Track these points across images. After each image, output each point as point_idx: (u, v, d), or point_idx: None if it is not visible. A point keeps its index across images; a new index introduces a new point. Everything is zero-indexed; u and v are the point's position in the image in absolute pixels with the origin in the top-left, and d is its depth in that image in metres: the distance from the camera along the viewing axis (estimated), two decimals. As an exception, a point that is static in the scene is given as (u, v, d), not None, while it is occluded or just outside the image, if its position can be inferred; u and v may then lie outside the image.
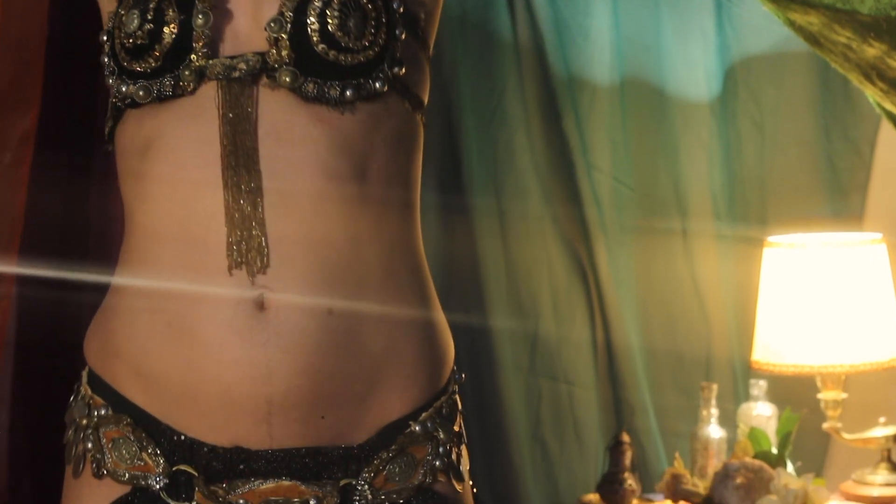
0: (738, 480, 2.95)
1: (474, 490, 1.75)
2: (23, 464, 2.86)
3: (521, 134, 3.83)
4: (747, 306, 3.52)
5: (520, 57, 3.82)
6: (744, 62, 3.78)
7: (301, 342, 1.53)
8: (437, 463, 1.62)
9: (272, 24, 1.53)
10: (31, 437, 2.87)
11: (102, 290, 2.83)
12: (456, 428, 1.66)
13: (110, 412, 1.61)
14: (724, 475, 2.97)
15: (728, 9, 3.77)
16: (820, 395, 3.30)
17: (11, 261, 2.58)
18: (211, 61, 1.54)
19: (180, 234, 1.56)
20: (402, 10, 1.61)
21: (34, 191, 2.63)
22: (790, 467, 3.11)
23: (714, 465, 3.26)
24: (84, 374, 1.66)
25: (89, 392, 1.63)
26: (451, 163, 3.83)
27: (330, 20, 1.53)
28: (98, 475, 1.61)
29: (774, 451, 3.12)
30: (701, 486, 3.02)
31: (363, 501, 1.58)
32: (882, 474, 3.31)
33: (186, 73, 1.54)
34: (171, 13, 1.55)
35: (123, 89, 1.58)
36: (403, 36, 1.60)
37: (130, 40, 1.56)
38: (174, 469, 1.57)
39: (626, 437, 3.35)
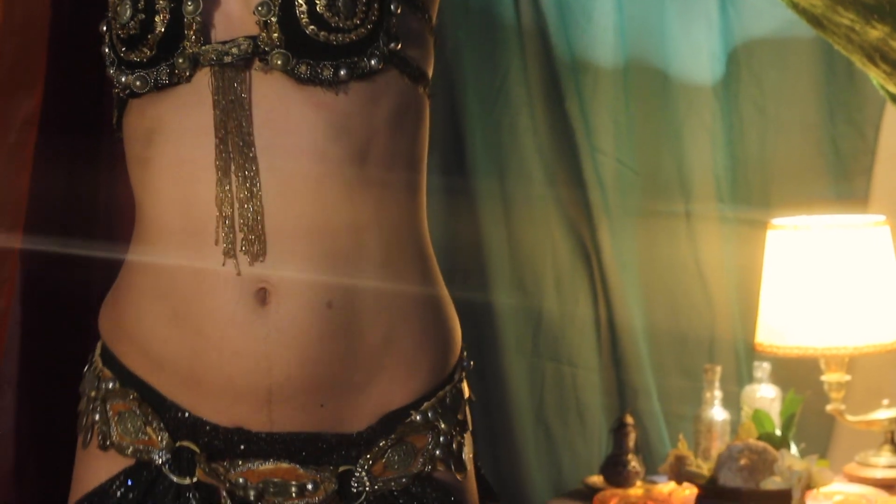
0: (742, 462, 2.95)
1: (481, 471, 1.75)
2: (28, 445, 2.86)
3: (524, 116, 3.83)
4: (750, 289, 3.52)
5: (523, 39, 3.82)
6: (747, 45, 3.78)
7: (300, 336, 1.54)
8: (438, 452, 1.62)
9: (260, 8, 1.52)
10: (37, 419, 2.88)
11: (108, 272, 2.83)
12: (460, 417, 1.66)
13: (117, 386, 1.62)
14: (728, 456, 2.97)
15: (731, -9, 3.78)
16: (823, 378, 3.31)
17: (15, 243, 2.58)
18: (204, 47, 1.54)
19: (183, 225, 1.56)
20: None
21: (38, 173, 2.62)
22: (794, 449, 3.12)
23: (717, 447, 3.27)
24: (98, 345, 1.68)
25: (100, 365, 1.66)
26: (455, 146, 3.83)
27: (318, 0, 1.52)
28: (104, 447, 1.63)
29: (778, 432, 3.12)
30: (705, 468, 3.03)
31: (361, 488, 1.59)
32: (885, 456, 3.31)
33: (180, 60, 1.54)
34: (161, 2, 1.54)
35: (123, 79, 1.58)
36: (399, 10, 1.58)
37: (124, 31, 1.57)
38: (177, 445, 1.59)
39: (629, 419, 3.35)
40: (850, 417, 3.34)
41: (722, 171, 3.80)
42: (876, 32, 2.45)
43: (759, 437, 3.06)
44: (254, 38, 1.53)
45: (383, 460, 1.60)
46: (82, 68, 2.84)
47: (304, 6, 1.52)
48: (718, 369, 3.40)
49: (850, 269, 3.22)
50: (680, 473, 3.05)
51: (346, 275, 1.56)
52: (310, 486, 1.57)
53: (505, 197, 3.85)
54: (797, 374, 3.46)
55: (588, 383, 3.85)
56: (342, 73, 1.54)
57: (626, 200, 3.82)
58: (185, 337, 1.56)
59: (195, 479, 1.59)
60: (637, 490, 3.26)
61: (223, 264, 1.53)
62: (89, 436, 1.64)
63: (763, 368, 3.41)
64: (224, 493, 1.59)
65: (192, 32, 1.54)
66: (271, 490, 1.57)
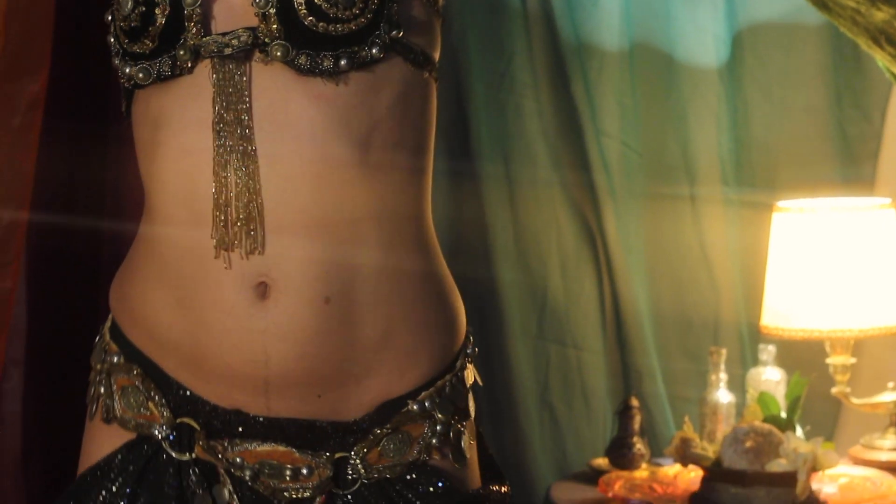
0: (748, 444, 2.95)
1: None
2: (35, 426, 2.87)
3: (529, 100, 3.83)
4: (755, 271, 3.52)
5: (528, 22, 3.82)
6: (752, 28, 3.77)
7: (298, 331, 1.55)
8: (434, 441, 1.62)
9: (258, 1, 1.52)
10: (44, 401, 2.88)
11: (113, 253, 2.84)
12: (461, 405, 1.65)
13: (122, 360, 1.64)
14: (734, 439, 2.97)
15: (737, -26, 3.77)
16: (829, 360, 3.31)
17: (21, 225, 2.58)
18: (205, 39, 1.53)
19: (186, 216, 1.57)
20: None
21: (43, 156, 2.63)
22: (799, 431, 3.12)
23: (723, 429, 3.27)
24: (109, 318, 1.69)
25: (107, 338, 1.67)
26: (460, 129, 3.83)
27: None
28: (107, 420, 1.65)
29: (783, 415, 3.12)
30: (710, 450, 3.03)
31: (356, 475, 1.60)
32: (890, 439, 3.31)
33: (182, 52, 1.54)
34: None
35: (127, 70, 1.58)
36: None
37: (126, 23, 1.56)
38: (178, 421, 1.61)
39: (634, 402, 3.35)
40: (854, 400, 3.34)
41: (727, 154, 3.79)
42: (881, 14, 2.45)
43: (765, 420, 3.06)
44: (253, 30, 1.53)
45: (378, 448, 1.60)
46: (87, 51, 2.84)
47: None
48: (724, 352, 3.40)
49: (856, 251, 3.22)
50: (685, 456, 3.05)
51: (346, 270, 1.56)
52: (304, 471, 1.58)
53: (510, 180, 3.85)
54: (802, 356, 3.46)
55: (593, 366, 3.85)
56: (342, 62, 1.53)
57: (631, 183, 3.81)
58: (187, 324, 1.58)
59: (194, 456, 1.60)
60: (642, 472, 3.26)
61: (215, 257, 1.54)
62: (94, 407, 1.66)
63: (768, 351, 3.41)
64: (222, 471, 1.60)
65: (192, 24, 1.53)
66: (266, 472, 1.59)
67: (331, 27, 1.52)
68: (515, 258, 3.85)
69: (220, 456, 1.59)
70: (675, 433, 3.19)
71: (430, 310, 1.64)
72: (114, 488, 1.61)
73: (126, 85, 1.61)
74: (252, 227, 1.52)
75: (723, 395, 3.37)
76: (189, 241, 1.56)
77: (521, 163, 3.83)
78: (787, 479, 2.92)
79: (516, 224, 3.85)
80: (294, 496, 1.59)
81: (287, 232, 1.53)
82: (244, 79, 1.53)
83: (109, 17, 1.61)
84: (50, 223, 2.84)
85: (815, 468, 2.94)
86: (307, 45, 1.52)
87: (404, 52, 1.58)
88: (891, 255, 3.23)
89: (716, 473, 2.99)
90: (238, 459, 1.59)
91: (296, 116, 1.53)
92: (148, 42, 1.55)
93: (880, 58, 2.68)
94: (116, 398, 1.64)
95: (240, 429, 1.59)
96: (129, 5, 1.55)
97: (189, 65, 1.54)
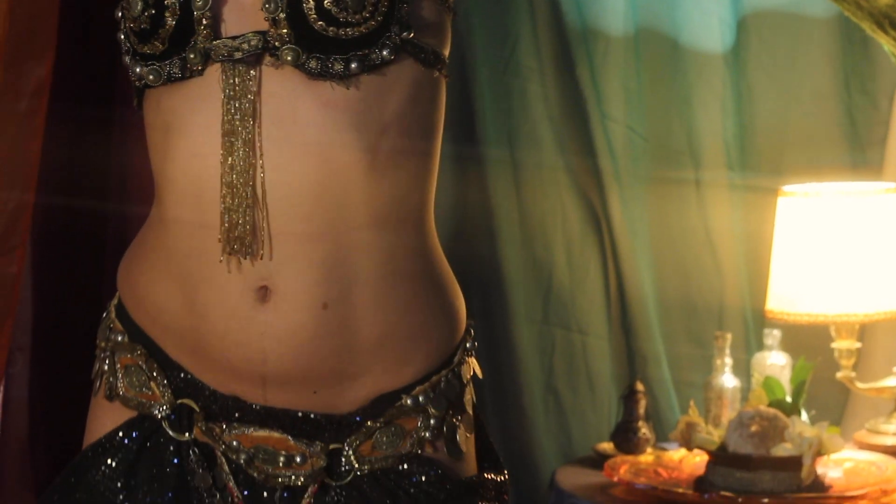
0: (753, 428, 2.95)
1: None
2: (40, 410, 2.87)
3: (534, 84, 3.82)
4: (760, 256, 3.52)
5: (533, 6, 3.81)
6: (758, 12, 3.77)
7: (295, 334, 1.57)
8: (427, 435, 1.63)
9: (268, 5, 1.51)
10: (49, 385, 2.89)
11: (119, 238, 2.84)
12: (457, 400, 1.66)
13: (126, 340, 1.67)
14: (739, 423, 2.97)
15: (742, -42, 3.76)
16: (834, 345, 3.31)
17: (27, 210, 2.58)
18: (215, 42, 1.53)
19: (193, 217, 1.58)
20: None
21: (49, 141, 2.63)
22: (804, 416, 3.12)
23: (728, 414, 3.27)
24: (115, 297, 1.72)
25: (113, 316, 1.70)
26: (465, 113, 3.83)
27: None
28: (110, 397, 1.67)
29: (788, 400, 3.12)
30: (715, 435, 3.03)
31: (348, 466, 1.61)
32: (895, 424, 3.31)
33: (192, 56, 1.54)
34: None
35: (137, 70, 1.59)
36: None
37: (136, 24, 1.57)
38: (178, 402, 1.63)
39: (640, 386, 3.36)
40: (860, 385, 3.34)
41: (732, 139, 3.79)
42: (886, -1, 2.45)
43: (770, 404, 3.06)
44: (263, 34, 1.53)
45: (371, 441, 1.62)
46: (93, 35, 2.84)
47: (312, 2, 1.51)
48: (729, 336, 3.40)
49: (861, 236, 3.22)
50: (690, 440, 3.05)
51: (345, 275, 1.57)
52: (298, 459, 1.61)
53: (515, 165, 3.84)
54: (807, 341, 3.46)
55: (598, 351, 3.85)
56: (353, 65, 1.53)
57: (636, 168, 3.81)
58: (191, 318, 1.60)
59: (193, 437, 1.63)
60: (647, 457, 3.27)
61: (220, 261, 1.55)
62: (98, 384, 1.69)
63: (773, 336, 3.41)
64: (219, 454, 1.63)
65: (202, 27, 1.53)
66: (261, 457, 1.61)
67: (341, 31, 1.52)
68: (520, 243, 3.85)
69: (217, 438, 1.62)
70: (680, 418, 3.19)
71: (429, 310, 1.65)
72: (113, 463, 1.64)
73: (137, 84, 1.61)
74: (255, 236, 1.54)
75: (728, 380, 3.38)
76: (195, 242, 1.58)
77: (526, 147, 3.83)
78: (792, 464, 2.92)
79: (521, 209, 3.85)
80: (287, 483, 1.61)
81: (289, 239, 1.55)
82: (254, 83, 1.53)
83: (119, 14, 1.60)
84: (55, 208, 2.84)
85: (820, 452, 2.94)
86: (317, 48, 1.52)
87: (415, 53, 1.58)
88: (896, 240, 3.23)
89: (721, 458, 2.99)
90: (235, 443, 1.61)
91: (304, 123, 1.54)
92: (158, 44, 1.56)
93: (885, 42, 2.68)
94: (119, 376, 1.66)
95: (237, 414, 1.61)
96: (139, 7, 1.55)
97: (199, 67, 1.55)
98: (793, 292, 3.27)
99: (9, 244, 2.54)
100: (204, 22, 1.53)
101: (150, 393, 1.64)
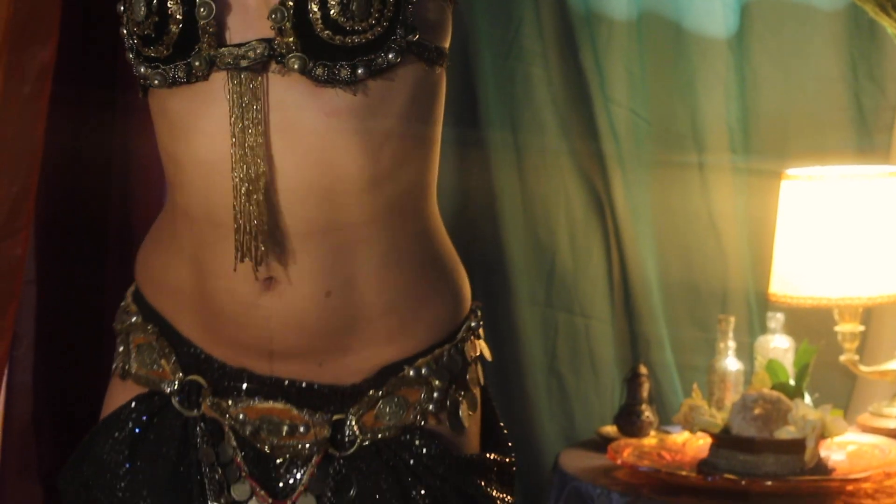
0: (757, 411, 2.95)
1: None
2: (44, 397, 2.88)
3: (538, 67, 3.82)
4: (763, 239, 3.52)
5: (536, -11, 3.81)
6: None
7: (299, 318, 1.61)
8: (431, 407, 1.65)
9: (274, 15, 1.51)
10: (53, 371, 2.89)
11: (123, 222, 2.84)
12: (460, 376, 1.68)
13: (140, 320, 1.71)
14: (742, 406, 2.97)
15: (746, -59, 3.75)
16: (837, 328, 3.31)
17: (31, 193, 2.58)
18: (220, 50, 1.54)
19: (203, 215, 1.61)
20: None
21: (53, 125, 2.63)
22: (807, 399, 3.12)
23: (731, 397, 3.27)
24: (133, 285, 1.76)
25: (129, 300, 1.75)
26: (468, 97, 3.83)
27: (332, 5, 1.51)
28: (123, 376, 1.72)
29: (792, 383, 3.12)
30: (718, 418, 3.03)
31: (352, 436, 1.64)
32: (898, 407, 3.32)
33: (197, 63, 1.55)
34: (172, 6, 1.54)
35: (142, 70, 1.59)
36: None
37: (140, 29, 1.57)
38: (187, 378, 1.67)
39: (643, 370, 3.36)
40: (863, 368, 3.35)
41: (735, 123, 3.79)
42: (890, -19, 2.44)
43: (773, 388, 3.06)
44: (269, 41, 1.53)
45: (374, 411, 1.64)
46: (97, 19, 2.84)
47: (319, 12, 1.51)
48: (732, 319, 3.40)
49: (865, 219, 3.22)
50: (693, 423, 3.05)
51: (348, 266, 1.61)
52: (301, 429, 1.63)
53: (518, 148, 3.84)
54: (811, 324, 3.46)
55: (601, 334, 3.86)
56: (360, 71, 1.53)
57: (639, 151, 3.81)
58: (202, 303, 1.64)
59: (201, 412, 1.66)
60: (651, 440, 3.27)
61: (234, 260, 1.57)
62: (115, 365, 1.74)
63: (776, 319, 3.41)
64: (227, 428, 1.65)
65: (206, 36, 1.54)
66: (266, 427, 1.64)
67: (347, 39, 1.53)
68: (523, 226, 3.85)
69: (224, 412, 1.65)
70: (683, 401, 3.20)
71: (433, 292, 1.67)
72: (120, 437, 1.68)
73: (141, 83, 1.62)
74: (262, 237, 1.56)
75: (731, 363, 3.38)
76: (205, 236, 1.61)
77: (530, 131, 3.83)
78: (796, 447, 2.92)
79: (524, 192, 3.85)
80: (292, 453, 1.64)
81: (294, 237, 1.58)
82: (260, 90, 1.54)
83: (121, 8, 1.60)
84: (59, 191, 2.85)
85: (823, 435, 2.94)
86: (324, 56, 1.53)
87: (420, 52, 1.59)
88: (900, 223, 3.23)
89: (724, 441, 2.99)
90: (241, 416, 1.64)
91: (309, 130, 1.55)
92: (162, 49, 1.56)
93: (888, 24, 2.68)
94: (133, 355, 1.71)
95: (244, 385, 1.64)
96: (142, 12, 1.55)
97: (204, 73, 1.55)
98: (796, 275, 3.27)
99: (13, 227, 2.54)
100: (208, 30, 1.53)
101: (160, 370, 1.68)
